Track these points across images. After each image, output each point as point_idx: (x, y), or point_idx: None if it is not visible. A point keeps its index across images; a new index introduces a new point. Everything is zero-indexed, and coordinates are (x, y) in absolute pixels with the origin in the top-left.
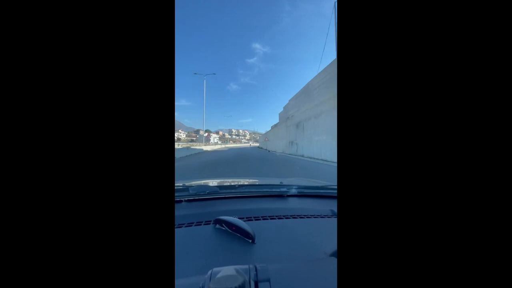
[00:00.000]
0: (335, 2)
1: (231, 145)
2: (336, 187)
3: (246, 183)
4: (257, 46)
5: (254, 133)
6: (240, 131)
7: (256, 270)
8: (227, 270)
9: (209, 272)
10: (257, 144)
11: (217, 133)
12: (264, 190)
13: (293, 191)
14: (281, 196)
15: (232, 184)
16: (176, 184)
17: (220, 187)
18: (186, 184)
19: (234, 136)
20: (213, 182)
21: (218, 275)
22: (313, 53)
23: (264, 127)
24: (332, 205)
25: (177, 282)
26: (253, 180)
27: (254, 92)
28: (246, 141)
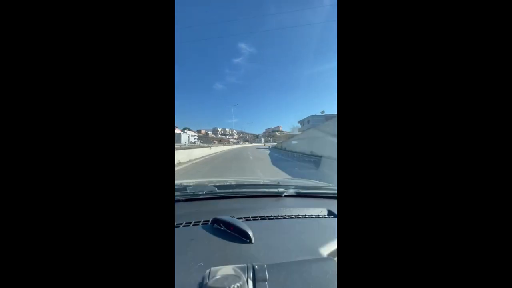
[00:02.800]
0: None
1: (208, 150)
2: (333, 187)
3: (243, 183)
4: (242, 46)
5: (243, 132)
6: (227, 130)
7: (253, 269)
8: (225, 270)
9: (207, 271)
10: (248, 144)
11: (198, 131)
12: (262, 190)
13: (291, 191)
14: (278, 196)
15: (230, 184)
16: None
17: (218, 186)
18: (184, 183)
19: (219, 136)
20: (210, 182)
21: (216, 274)
22: (298, 55)
23: (252, 128)
24: (330, 205)
25: (176, 281)
26: (251, 180)
27: (240, 92)
28: (235, 140)
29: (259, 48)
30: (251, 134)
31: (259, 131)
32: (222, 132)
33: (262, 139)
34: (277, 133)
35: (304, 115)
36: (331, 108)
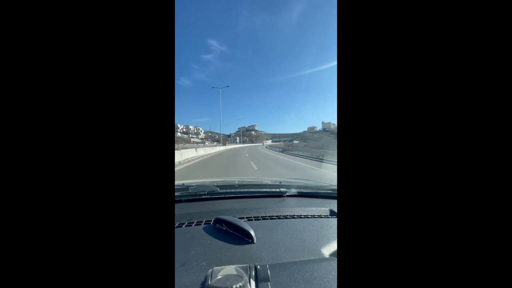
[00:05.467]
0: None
1: None
2: (335, 187)
3: (245, 183)
4: (213, 43)
5: (211, 132)
6: (191, 127)
7: (256, 269)
8: (227, 270)
9: (210, 271)
10: (220, 148)
11: None
12: (264, 190)
13: (293, 191)
14: (280, 196)
15: (232, 184)
16: (176, 184)
17: (220, 186)
18: (186, 183)
19: (180, 134)
20: (212, 182)
21: (219, 274)
22: (274, 58)
23: (225, 128)
24: (332, 205)
25: (178, 281)
26: (253, 180)
27: (210, 90)
28: (200, 140)
29: (230, 47)
30: (222, 134)
31: (231, 130)
32: (184, 130)
33: (237, 138)
34: (253, 132)
35: (282, 115)
36: (306, 110)
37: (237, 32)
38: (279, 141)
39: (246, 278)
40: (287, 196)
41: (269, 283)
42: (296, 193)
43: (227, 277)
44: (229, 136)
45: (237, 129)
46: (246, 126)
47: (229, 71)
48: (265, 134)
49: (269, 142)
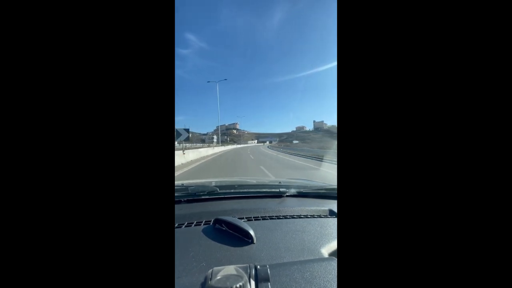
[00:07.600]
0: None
1: None
2: (335, 187)
3: (245, 184)
4: (191, 37)
5: (187, 131)
6: None
7: (255, 269)
8: (227, 270)
9: (210, 271)
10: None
11: None
12: (264, 190)
13: (292, 191)
14: (280, 196)
15: (232, 184)
16: (175, 184)
17: (220, 187)
18: (185, 183)
19: None
20: (212, 182)
21: (218, 275)
22: (254, 60)
23: (201, 127)
24: (331, 205)
25: (178, 281)
26: (253, 181)
27: (188, 87)
28: None
29: (211, 45)
30: (197, 133)
31: (208, 129)
32: None
33: (214, 137)
34: (234, 131)
35: (266, 114)
36: (283, 112)
37: (219, 29)
38: (264, 141)
39: (246, 278)
40: (287, 196)
41: (269, 283)
42: (295, 193)
43: (227, 277)
44: (205, 135)
45: (215, 128)
46: (226, 125)
47: (209, 69)
48: (248, 133)
49: (255, 142)
